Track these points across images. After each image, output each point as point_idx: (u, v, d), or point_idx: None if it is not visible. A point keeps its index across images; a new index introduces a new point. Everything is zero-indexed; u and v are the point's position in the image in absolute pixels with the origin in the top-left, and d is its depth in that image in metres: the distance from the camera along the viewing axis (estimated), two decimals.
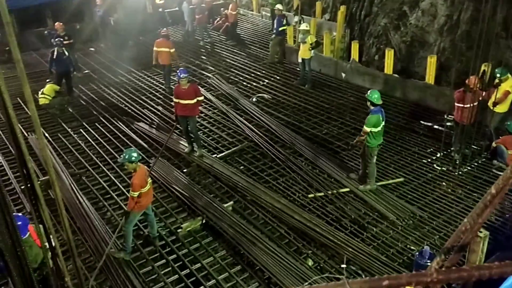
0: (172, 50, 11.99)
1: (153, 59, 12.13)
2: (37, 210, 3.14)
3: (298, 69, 13.00)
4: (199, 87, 9.55)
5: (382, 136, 7.46)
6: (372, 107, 7.28)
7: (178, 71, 8.57)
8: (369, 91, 7.44)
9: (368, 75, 12.16)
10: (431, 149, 8.96)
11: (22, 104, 10.85)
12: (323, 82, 12.70)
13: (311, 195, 7.67)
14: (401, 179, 8.03)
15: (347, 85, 12.31)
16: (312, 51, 11.91)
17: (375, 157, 7.54)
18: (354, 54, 12.62)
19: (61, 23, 13.24)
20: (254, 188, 7.78)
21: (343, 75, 12.61)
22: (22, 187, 7.88)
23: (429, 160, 8.63)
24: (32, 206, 3.20)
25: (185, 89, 8.37)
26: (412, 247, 6.46)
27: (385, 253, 6.36)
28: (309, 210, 7.26)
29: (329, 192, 7.71)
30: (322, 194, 7.69)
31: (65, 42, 12.44)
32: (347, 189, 7.77)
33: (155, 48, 12.05)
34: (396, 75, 11.67)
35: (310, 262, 6.26)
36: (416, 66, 11.84)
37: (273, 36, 14.27)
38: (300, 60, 12.21)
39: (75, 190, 7.82)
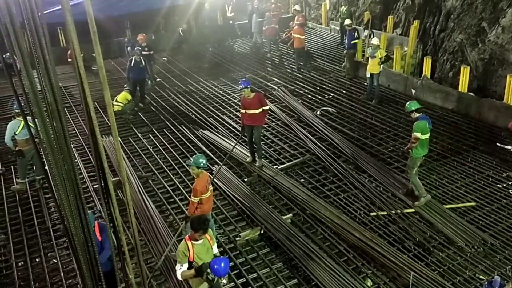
0: (303, 37, 14.62)
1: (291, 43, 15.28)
2: (109, 208, 3.32)
3: (365, 83, 12.76)
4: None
5: (427, 147, 7.37)
6: (417, 115, 7.26)
7: (240, 82, 8.73)
8: (407, 104, 7.48)
9: (441, 92, 11.65)
10: (508, 173, 8.38)
11: (99, 108, 11.57)
12: (391, 98, 12.35)
13: (373, 213, 7.44)
14: (473, 204, 7.57)
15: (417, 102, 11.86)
16: (381, 66, 11.64)
17: (416, 168, 7.45)
18: (426, 70, 12.16)
19: (144, 34, 14.02)
20: (314, 202, 7.69)
21: (413, 91, 12.19)
22: (95, 186, 8.38)
23: (504, 185, 8.07)
24: (104, 204, 3.39)
25: (250, 99, 8.49)
26: (481, 277, 6.04)
27: (451, 280, 6.00)
28: (370, 229, 7.04)
29: (393, 212, 7.43)
30: (385, 213, 7.44)
31: (144, 52, 13.22)
32: (412, 210, 7.45)
33: (293, 34, 14.90)
34: (471, 94, 11.09)
35: (369, 283, 6.05)
36: (494, 85, 11.19)
37: (345, 51, 14.08)
38: (368, 75, 11.97)
39: (141, 192, 8.17)
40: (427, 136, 7.27)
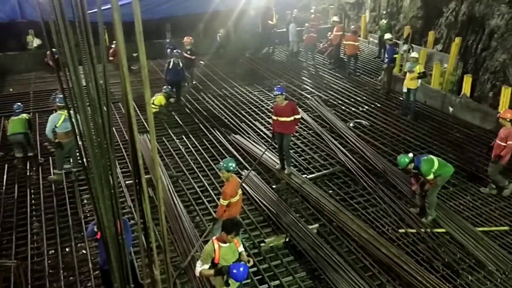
0: (357, 44, 15.14)
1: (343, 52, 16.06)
2: (141, 204, 3.41)
3: (401, 98, 12.58)
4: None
5: (446, 166, 7.29)
6: (412, 165, 7.15)
7: (275, 88, 8.77)
8: (399, 160, 7.28)
9: (480, 112, 11.35)
10: None
11: (136, 107, 11.87)
12: (427, 114, 12.11)
13: (402, 230, 7.30)
14: (506, 228, 7.32)
15: (454, 120, 11.61)
16: (419, 81, 11.44)
17: (439, 188, 7.44)
18: (466, 89, 11.87)
19: (190, 37, 14.32)
20: (341, 214, 7.62)
21: (451, 109, 11.93)
22: (127, 182, 8.59)
23: None
24: (137, 200, 3.49)
25: (282, 107, 8.53)
26: None
27: None
28: (398, 246, 6.91)
29: (422, 230, 7.27)
30: (414, 230, 7.29)
31: (186, 55, 13.53)
32: (443, 230, 7.27)
33: (344, 42, 15.50)
34: None
35: None
36: None
37: (385, 65, 13.88)
38: (405, 90, 11.79)
39: (171, 191, 8.31)
40: (437, 165, 7.12)
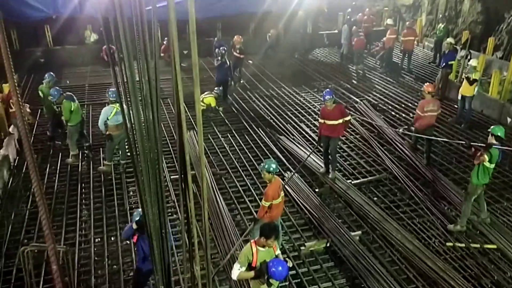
0: (417, 38, 16.30)
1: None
2: (185, 199, 3.45)
3: (455, 106, 12.06)
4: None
5: (489, 177, 7.04)
6: (494, 141, 6.96)
7: (324, 92, 8.63)
8: (495, 126, 7.27)
9: None
10: None
11: (184, 104, 12.07)
12: (483, 124, 11.53)
13: (449, 244, 6.99)
14: None
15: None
16: (476, 88, 10.92)
17: (474, 197, 7.10)
18: None
19: (240, 36, 14.43)
20: (385, 223, 7.40)
21: (509, 120, 11.30)
22: (172, 177, 8.76)
23: None
24: (181, 196, 3.52)
25: (330, 110, 8.40)
26: None
27: None
28: (444, 259, 6.62)
29: (472, 245, 6.93)
30: (463, 245, 6.96)
31: (235, 54, 13.66)
32: (494, 246, 6.89)
33: (402, 38, 15.85)
34: None
35: None
36: None
37: (442, 70, 13.26)
38: (459, 97, 11.30)
39: (214, 188, 8.39)
40: (493, 166, 6.95)
